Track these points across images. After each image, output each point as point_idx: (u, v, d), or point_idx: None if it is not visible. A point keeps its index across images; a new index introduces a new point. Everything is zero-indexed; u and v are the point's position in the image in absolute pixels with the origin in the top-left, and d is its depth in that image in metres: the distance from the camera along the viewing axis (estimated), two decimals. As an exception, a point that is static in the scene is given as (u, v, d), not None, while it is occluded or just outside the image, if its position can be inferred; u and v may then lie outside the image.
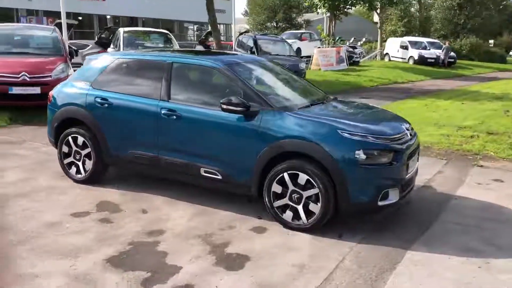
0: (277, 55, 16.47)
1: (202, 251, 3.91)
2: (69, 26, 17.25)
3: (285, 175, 4.26)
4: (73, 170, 5.52)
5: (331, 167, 4.09)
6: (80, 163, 5.44)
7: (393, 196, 4.25)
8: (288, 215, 4.34)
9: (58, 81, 7.70)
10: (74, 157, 5.48)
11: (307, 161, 4.19)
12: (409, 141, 4.49)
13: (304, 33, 29.25)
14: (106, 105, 5.16)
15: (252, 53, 16.32)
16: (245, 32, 23.55)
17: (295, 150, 4.23)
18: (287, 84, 5.42)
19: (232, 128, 4.48)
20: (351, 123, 4.32)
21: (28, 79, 9.09)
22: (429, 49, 29.67)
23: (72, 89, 5.51)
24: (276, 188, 4.34)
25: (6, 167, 6.07)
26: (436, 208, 5.04)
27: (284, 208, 4.36)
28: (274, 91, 4.92)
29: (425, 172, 6.33)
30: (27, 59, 9.70)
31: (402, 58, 30.20)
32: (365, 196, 4.12)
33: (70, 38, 17.85)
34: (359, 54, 29.11)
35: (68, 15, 32.90)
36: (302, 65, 16.33)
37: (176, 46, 13.16)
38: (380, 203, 4.17)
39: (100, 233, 4.20)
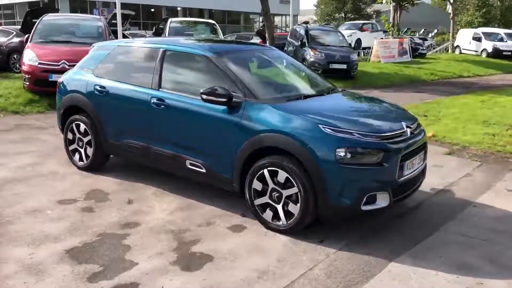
0: (328, 45, 15.94)
1: (167, 247, 3.74)
2: (126, 17, 17.77)
3: (265, 171, 3.98)
4: (76, 157, 5.57)
5: (309, 165, 3.74)
6: (82, 150, 5.47)
7: (382, 200, 3.83)
8: (268, 214, 4.06)
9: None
10: (78, 144, 5.51)
11: (286, 158, 3.87)
12: (408, 140, 4.02)
13: (366, 23, 28.10)
14: (104, 93, 5.13)
15: (303, 43, 15.91)
16: (305, 22, 23.11)
17: (274, 145, 3.93)
18: (286, 75, 5.08)
19: (215, 119, 4.25)
20: (337, 118, 3.93)
21: (67, 67, 9.37)
22: (506, 41, 27.42)
23: (77, 76, 5.54)
24: (257, 185, 4.06)
25: (24, 151, 6.25)
26: (445, 216, 4.53)
27: (264, 206, 4.08)
28: (264, 82, 4.60)
29: (450, 174, 5.77)
30: (69, 47, 10.01)
31: (474, 50, 28.17)
32: (347, 199, 3.73)
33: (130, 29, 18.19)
34: (428, 46, 27.54)
35: (137, 6, 34.18)
36: (353, 56, 15.65)
37: (220, 36, 13.07)
38: (364, 208, 3.77)
39: (75, 222, 4.15)
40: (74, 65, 9.18)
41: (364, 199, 3.74)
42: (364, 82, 15.46)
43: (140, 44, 5.18)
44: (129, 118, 4.96)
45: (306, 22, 24.29)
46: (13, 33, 14.78)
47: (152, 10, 40.33)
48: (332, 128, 3.76)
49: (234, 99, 4.12)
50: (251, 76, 4.47)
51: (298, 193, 3.82)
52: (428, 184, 5.33)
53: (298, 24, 18.89)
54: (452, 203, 4.88)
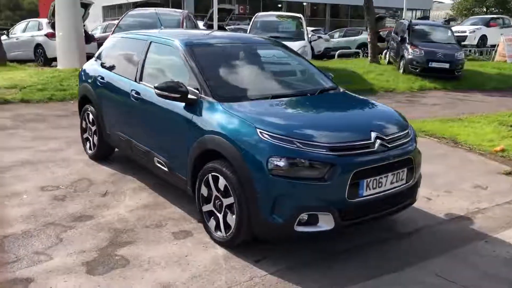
0: (431, 42, 14.45)
1: (94, 246, 3.59)
2: (228, 12, 18.10)
3: (210, 176, 3.61)
4: (87, 145, 5.72)
5: (241, 173, 3.29)
6: (91, 139, 5.59)
7: (324, 223, 3.22)
8: (212, 223, 3.69)
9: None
10: (88, 133, 5.65)
11: (226, 163, 3.45)
12: (373, 154, 3.33)
13: (495, 18, 24.91)
14: (103, 84, 5.16)
15: (403, 39, 14.63)
16: (449, 20, 21.30)
17: (214, 148, 3.54)
18: (267, 73, 4.53)
19: (174, 116, 3.97)
20: (283, 122, 3.40)
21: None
22: None
23: (91, 66, 5.66)
24: (204, 190, 3.71)
25: (59, 137, 6.61)
26: (439, 249, 3.70)
27: (210, 214, 3.71)
28: (230, 79, 4.14)
29: (488, 199, 4.78)
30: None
31: None
32: (279, 216, 3.19)
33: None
34: None
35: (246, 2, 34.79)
36: (459, 55, 13.93)
37: (304, 30, 12.59)
38: (298, 229, 3.20)
39: (37, 210, 4.21)
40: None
41: (298, 219, 3.18)
42: (470, 84, 13.71)
43: (133, 36, 5.09)
44: (119, 110, 4.92)
45: (451, 20, 22.26)
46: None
47: (280, 6, 40.74)
48: (269, 133, 3.25)
49: (189, 96, 3.81)
50: (216, 72, 4.07)
51: (234, 203, 3.39)
52: (450, 207, 4.49)
53: (402, 19, 17.44)
54: (461, 234, 3.98)
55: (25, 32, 15.95)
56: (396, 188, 3.50)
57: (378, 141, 3.39)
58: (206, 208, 3.72)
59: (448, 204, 4.60)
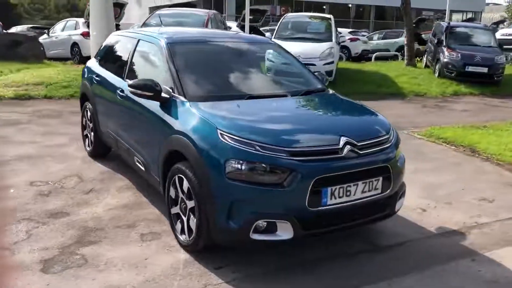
0: (470, 45, 13.76)
1: (59, 244, 3.55)
2: (262, 13, 18.00)
3: (176, 178, 3.50)
4: (86, 142, 5.76)
5: (200, 175, 3.16)
6: (89, 136, 5.63)
7: (283, 231, 3.04)
8: (178, 226, 3.58)
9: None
10: (87, 130, 5.69)
11: (189, 165, 3.33)
12: (340, 160, 3.12)
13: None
14: (97, 81, 5.18)
15: (440, 41, 14.02)
16: (471, 19, 20.47)
17: (176, 148, 3.43)
18: (251, 72, 4.35)
19: (149, 115, 3.90)
20: (246, 124, 3.24)
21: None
22: None
23: (89, 64, 5.71)
24: (172, 192, 3.61)
25: (67, 133, 6.70)
26: (413, 266, 3.42)
27: (177, 217, 3.60)
28: (205, 78, 3.98)
29: (491, 213, 4.44)
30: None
31: None
32: (234, 222, 3.04)
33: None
34: None
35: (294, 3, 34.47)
36: (500, 59, 13.15)
37: (333, 32, 12.27)
38: (255, 236, 3.04)
39: (19, 204, 4.24)
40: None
41: (254, 226, 3.01)
42: (510, 90, 12.95)
43: (126, 35, 5.07)
44: (109, 108, 4.92)
45: (501, 22, 21.25)
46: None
47: (324, 7, 40.22)
48: (229, 135, 3.10)
49: (163, 94, 3.72)
50: (193, 71, 3.95)
51: (195, 207, 3.27)
52: (444, 220, 4.21)
53: (442, 20, 16.73)
54: (447, 251, 3.68)
55: (63, 31, 16.49)
56: (369, 198, 3.27)
57: (348, 146, 3.17)
58: (174, 210, 3.61)
59: (443, 217, 4.28)
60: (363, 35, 23.06)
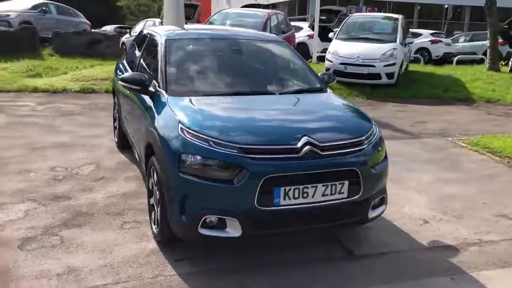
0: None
1: (46, 224, 3.79)
2: (335, 13, 17.70)
3: (151, 170, 3.60)
4: (115, 134, 6.08)
5: (162, 169, 3.23)
6: (116, 128, 5.94)
7: (232, 229, 3.01)
8: (152, 217, 3.68)
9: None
10: (116, 123, 6.00)
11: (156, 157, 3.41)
12: (296, 160, 3.01)
13: None
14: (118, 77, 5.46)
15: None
16: None
17: (150, 141, 3.52)
18: (246, 69, 4.34)
19: (141, 109, 4.06)
20: (203, 119, 3.28)
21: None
22: None
23: (120, 60, 6.01)
24: (150, 183, 3.71)
25: (107, 124, 7.07)
26: (387, 278, 3.20)
27: (152, 208, 3.69)
28: (192, 75, 4.07)
29: (502, 230, 4.02)
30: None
31: None
32: (185, 216, 3.07)
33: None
34: None
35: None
36: None
37: (398, 33, 11.73)
38: (203, 231, 3.04)
39: (31, 187, 4.59)
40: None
41: (204, 221, 3.01)
42: None
43: (145, 31, 5.27)
44: (123, 102, 5.16)
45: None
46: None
47: (419, 8, 38.45)
48: (187, 129, 3.14)
49: (150, 88, 3.85)
50: (182, 67, 4.04)
51: (159, 199, 3.34)
52: (443, 234, 3.93)
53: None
54: (429, 266, 3.39)
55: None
56: (332, 202, 3.11)
57: (308, 147, 3.05)
58: (151, 201, 3.71)
59: (444, 231, 3.95)
60: (444, 37, 21.73)
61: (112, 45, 14.90)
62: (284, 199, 2.99)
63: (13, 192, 4.44)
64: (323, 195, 3.08)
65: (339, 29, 12.60)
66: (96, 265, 3.24)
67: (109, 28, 25.16)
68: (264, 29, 10.99)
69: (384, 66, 10.93)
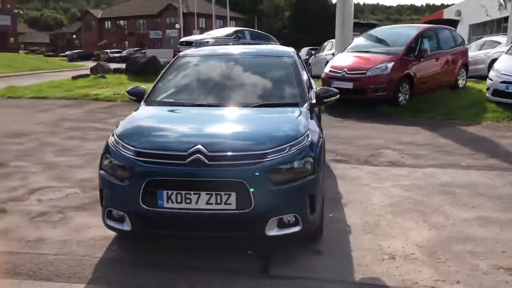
0: None
1: (46, 199, 4.81)
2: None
3: None
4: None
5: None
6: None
7: (126, 223, 3.39)
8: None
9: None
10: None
11: None
12: (179, 167, 3.21)
13: None
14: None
15: None
16: None
17: None
18: (236, 84, 4.58)
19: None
20: (129, 125, 3.79)
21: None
22: None
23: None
24: None
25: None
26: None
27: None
28: (178, 87, 4.62)
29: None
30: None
31: None
32: (102, 208, 3.60)
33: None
34: None
35: None
36: None
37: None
38: (108, 222, 3.52)
39: (61, 167, 5.76)
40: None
41: (109, 213, 3.49)
42: None
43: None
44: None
45: None
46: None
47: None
48: (114, 135, 3.68)
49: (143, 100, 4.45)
50: (173, 80, 4.64)
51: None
52: (396, 274, 3.37)
53: None
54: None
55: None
56: (217, 212, 3.14)
57: (196, 155, 3.17)
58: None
59: (401, 271, 3.33)
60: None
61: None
62: (167, 202, 3.19)
63: (43, 168, 5.60)
64: (208, 203, 3.15)
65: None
66: (59, 239, 3.93)
67: (303, 51, 25.95)
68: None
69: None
